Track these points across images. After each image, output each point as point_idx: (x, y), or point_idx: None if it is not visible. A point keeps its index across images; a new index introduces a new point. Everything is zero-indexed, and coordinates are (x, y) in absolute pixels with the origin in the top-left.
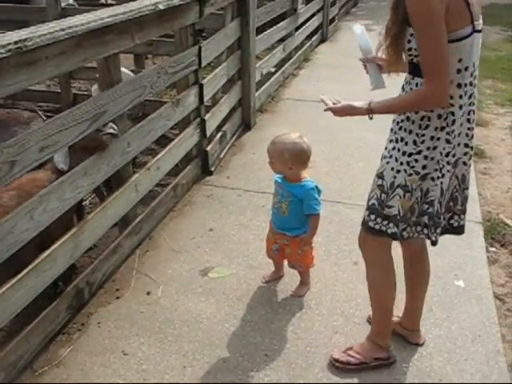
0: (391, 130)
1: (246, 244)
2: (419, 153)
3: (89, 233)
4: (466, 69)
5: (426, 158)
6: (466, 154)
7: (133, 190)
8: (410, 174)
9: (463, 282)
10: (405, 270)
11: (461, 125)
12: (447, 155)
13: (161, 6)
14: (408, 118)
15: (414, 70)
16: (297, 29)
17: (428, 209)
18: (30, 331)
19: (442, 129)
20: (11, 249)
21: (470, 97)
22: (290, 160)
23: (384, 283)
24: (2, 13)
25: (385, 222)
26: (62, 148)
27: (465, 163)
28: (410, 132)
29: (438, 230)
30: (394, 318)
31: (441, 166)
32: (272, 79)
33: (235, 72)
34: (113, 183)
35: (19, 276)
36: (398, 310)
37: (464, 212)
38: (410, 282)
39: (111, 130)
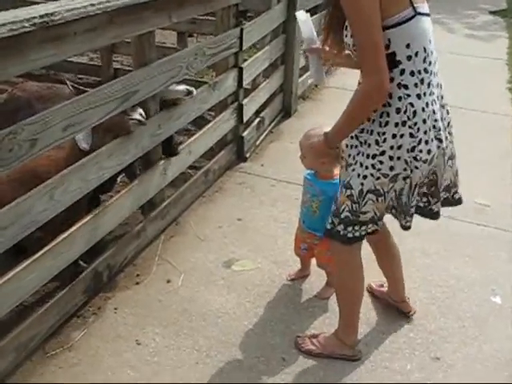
0: (351, 136)
1: (274, 237)
2: (383, 153)
3: (111, 215)
4: (417, 54)
5: (391, 158)
6: (446, 138)
7: (161, 173)
8: (378, 178)
9: (500, 298)
10: (376, 258)
11: (428, 117)
12: (413, 150)
13: None
14: (368, 118)
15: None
16: None
17: (398, 201)
18: (44, 312)
19: (404, 123)
20: (28, 229)
21: (428, 85)
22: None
23: (354, 280)
24: None
25: (363, 227)
26: (87, 128)
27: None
28: (372, 132)
29: (409, 218)
30: (383, 289)
31: (408, 162)
32: None
33: (278, 56)
34: (141, 166)
35: (35, 256)
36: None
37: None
38: (384, 266)
39: (139, 117)
